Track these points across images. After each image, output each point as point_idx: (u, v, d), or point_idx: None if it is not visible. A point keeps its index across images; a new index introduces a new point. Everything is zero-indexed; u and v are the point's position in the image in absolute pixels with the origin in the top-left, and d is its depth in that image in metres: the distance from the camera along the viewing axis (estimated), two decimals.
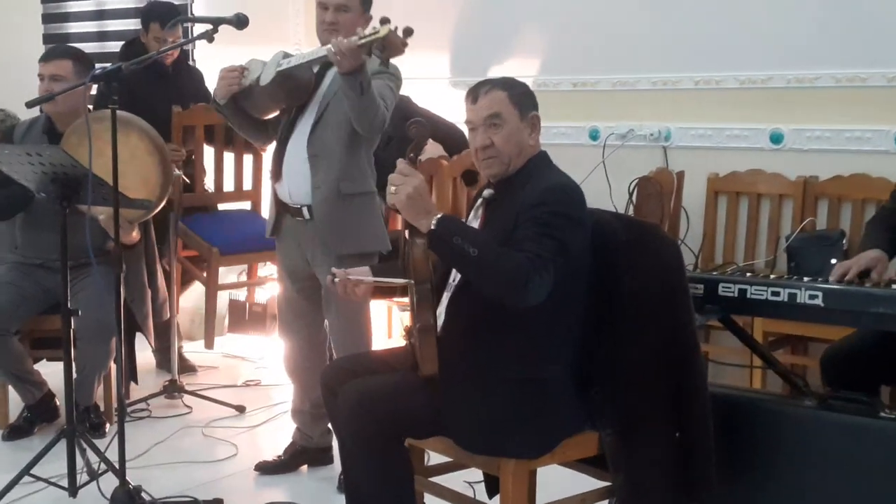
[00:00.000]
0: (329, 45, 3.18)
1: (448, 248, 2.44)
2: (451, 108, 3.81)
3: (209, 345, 5.17)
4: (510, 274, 2.39)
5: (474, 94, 2.68)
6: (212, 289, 5.12)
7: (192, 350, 5.36)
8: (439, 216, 2.44)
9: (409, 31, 2.99)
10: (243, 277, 5.67)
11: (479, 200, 2.79)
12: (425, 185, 2.51)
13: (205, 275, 5.17)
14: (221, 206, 5.46)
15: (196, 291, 5.92)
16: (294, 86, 3.46)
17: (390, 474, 2.56)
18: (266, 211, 4.06)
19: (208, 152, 5.20)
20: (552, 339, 2.61)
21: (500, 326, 2.58)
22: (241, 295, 5.62)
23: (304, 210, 3.49)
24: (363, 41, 3.02)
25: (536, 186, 2.59)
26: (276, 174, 3.55)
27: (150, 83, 4.73)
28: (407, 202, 2.43)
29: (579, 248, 2.55)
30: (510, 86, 2.69)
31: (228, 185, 5.32)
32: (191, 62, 5.92)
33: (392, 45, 3.00)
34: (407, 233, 2.55)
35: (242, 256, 5.23)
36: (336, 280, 2.71)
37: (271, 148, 3.65)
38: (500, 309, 2.51)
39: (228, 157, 5.26)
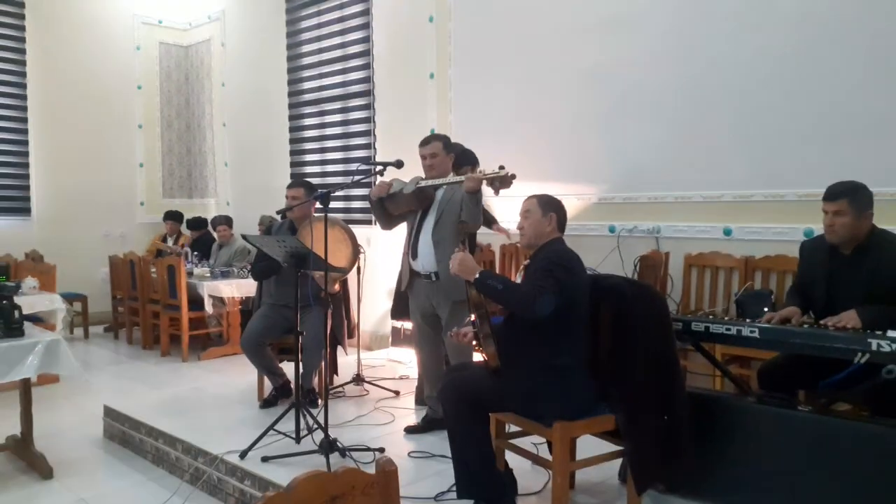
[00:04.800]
0: (461, 176, 3.26)
1: (485, 287, 2.55)
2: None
3: None
4: (522, 297, 2.50)
5: (525, 200, 2.77)
6: None
7: (370, 357, 5.37)
8: (481, 270, 2.58)
9: (514, 176, 3.02)
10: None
11: (522, 267, 2.85)
12: (470, 257, 2.63)
13: None
14: None
15: (375, 318, 5.99)
16: (424, 196, 3.49)
17: (472, 435, 2.55)
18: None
19: None
20: (564, 341, 2.58)
21: (532, 335, 2.58)
22: (397, 323, 5.63)
23: (432, 275, 3.48)
24: (486, 176, 3.06)
25: (548, 253, 2.65)
26: (414, 254, 3.53)
27: None
28: (459, 267, 2.59)
29: (573, 287, 2.55)
30: (541, 197, 2.76)
31: None
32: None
33: (504, 181, 3.02)
34: (467, 284, 2.64)
35: None
36: (451, 335, 2.81)
37: (396, 236, 3.61)
38: (531, 326, 2.54)
39: None
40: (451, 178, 3.38)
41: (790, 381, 2.88)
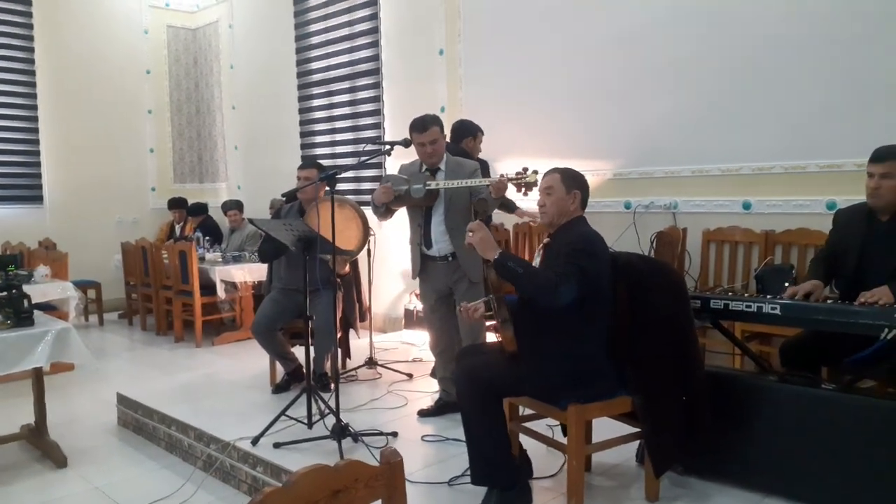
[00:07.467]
0: (489, 180, 3.21)
1: (504, 269, 2.42)
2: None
3: None
4: (543, 284, 2.38)
5: (546, 174, 2.66)
6: None
7: (383, 339, 5.36)
8: (500, 250, 2.44)
9: (536, 172, 2.94)
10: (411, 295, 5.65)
11: (541, 245, 2.72)
12: (489, 233, 2.50)
13: None
14: None
15: (387, 300, 5.97)
16: (432, 196, 3.41)
17: (487, 423, 2.49)
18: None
19: None
20: (587, 329, 2.50)
21: (554, 322, 2.49)
22: (410, 305, 5.62)
23: (449, 257, 3.46)
24: (512, 181, 2.98)
25: (572, 235, 2.54)
26: (427, 244, 3.49)
27: None
28: (479, 243, 2.47)
29: (597, 273, 2.45)
30: (564, 171, 2.65)
31: None
32: (385, 166, 6.02)
33: (531, 183, 2.94)
34: (485, 264, 2.55)
35: None
36: (462, 310, 2.72)
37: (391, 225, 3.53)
38: (553, 313, 2.45)
39: None
40: (474, 181, 3.29)
41: (814, 359, 2.81)
